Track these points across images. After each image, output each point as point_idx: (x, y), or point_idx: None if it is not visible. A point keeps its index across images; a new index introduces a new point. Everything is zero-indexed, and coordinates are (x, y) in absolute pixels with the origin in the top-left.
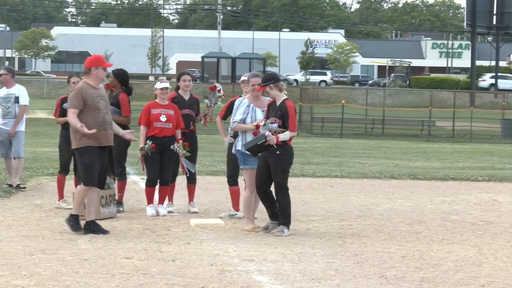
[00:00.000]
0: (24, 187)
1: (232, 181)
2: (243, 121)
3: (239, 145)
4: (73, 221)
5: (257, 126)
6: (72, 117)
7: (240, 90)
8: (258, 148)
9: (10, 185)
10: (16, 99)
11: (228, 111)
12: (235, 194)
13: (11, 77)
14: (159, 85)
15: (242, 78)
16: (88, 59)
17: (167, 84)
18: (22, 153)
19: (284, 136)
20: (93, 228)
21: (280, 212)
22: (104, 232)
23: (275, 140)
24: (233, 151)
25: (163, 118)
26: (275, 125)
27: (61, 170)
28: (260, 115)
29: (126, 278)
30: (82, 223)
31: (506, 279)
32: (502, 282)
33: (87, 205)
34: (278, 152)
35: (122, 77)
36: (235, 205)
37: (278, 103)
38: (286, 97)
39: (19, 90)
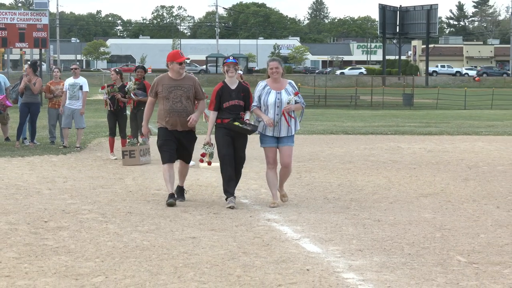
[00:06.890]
0: (80, 149)
1: None
2: (258, 102)
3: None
4: (177, 192)
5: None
6: (147, 104)
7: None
8: (239, 129)
9: (64, 146)
10: (80, 87)
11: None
12: None
13: (79, 71)
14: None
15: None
16: (167, 55)
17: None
18: (83, 125)
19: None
20: (178, 191)
21: (236, 183)
22: (174, 200)
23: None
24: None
25: None
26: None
27: (109, 134)
28: (272, 97)
29: (157, 203)
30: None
31: (406, 198)
32: (404, 200)
33: (179, 174)
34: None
35: (145, 70)
36: None
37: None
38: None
39: (83, 81)
